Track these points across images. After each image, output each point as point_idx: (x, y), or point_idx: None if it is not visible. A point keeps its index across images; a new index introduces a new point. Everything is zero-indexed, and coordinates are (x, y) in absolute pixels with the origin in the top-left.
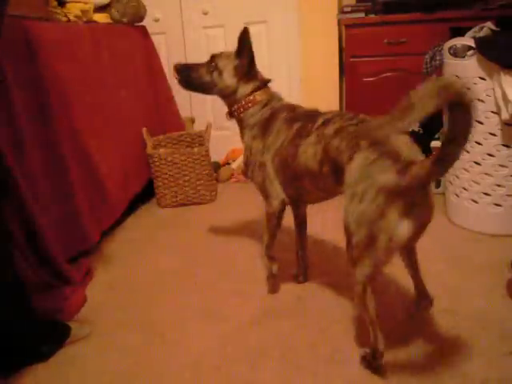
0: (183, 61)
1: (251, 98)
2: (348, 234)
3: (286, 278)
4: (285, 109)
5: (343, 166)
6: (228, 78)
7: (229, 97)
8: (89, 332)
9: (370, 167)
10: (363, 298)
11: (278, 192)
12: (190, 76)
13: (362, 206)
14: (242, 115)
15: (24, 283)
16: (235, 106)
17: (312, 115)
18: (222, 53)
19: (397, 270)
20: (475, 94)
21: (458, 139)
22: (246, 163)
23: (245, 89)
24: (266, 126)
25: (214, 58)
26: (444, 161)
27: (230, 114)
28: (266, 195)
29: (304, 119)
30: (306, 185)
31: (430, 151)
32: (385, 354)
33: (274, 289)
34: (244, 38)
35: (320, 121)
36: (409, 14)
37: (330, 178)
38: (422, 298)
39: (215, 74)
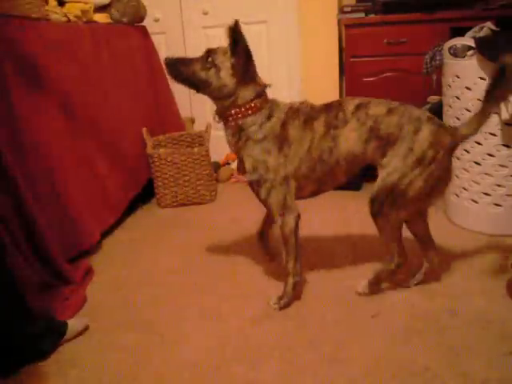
0: None
1: (252, 104)
2: (410, 191)
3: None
4: (293, 115)
5: (399, 138)
6: (226, 77)
7: (224, 98)
8: (87, 323)
9: (438, 134)
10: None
11: (295, 205)
12: (180, 71)
13: (432, 166)
14: (240, 122)
15: (19, 282)
16: (233, 111)
17: (331, 106)
18: (218, 48)
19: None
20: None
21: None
22: (259, 181)
23: (246, 93)
24: (281, 138)
25: (210, 52)
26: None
27: (222, 117)
28: (283, 213)
29: (325, 113)
30: (338, 174)
31: None
32: (383, 358)
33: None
34: (235, 34)
35: (350, 108)
36: (409, 14)
37: (374, 154)
38: (432, 248)
39: (212, 71)
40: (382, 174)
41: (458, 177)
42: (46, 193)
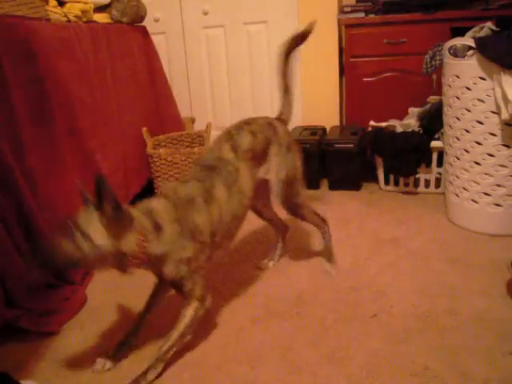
0: (183, 61)
1: (141, 237)
2: (298, 173)
3: (286, 277)
4: (186, 206)
5: (269, 144)
6: (103, 240)
7: (114, 260)
8: None
9: (283, 125)
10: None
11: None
12: (50, 261)
13: (295, 147)
14: (147, 253)
15: (19, 282)
16: (131, 257)
17: (215, 167)
18: (79, 214)
19: None
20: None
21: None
22: (188, 275)
23: (130, 243)
24: (188, 233)
25: (69, 223)
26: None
27: (127, 267)
28: (198, 295)
29: (217, 177)
30: (246, 213)
31: (430, 151)
32: (383, 358)
33: None
34: (102, 185)
35: (230, 154)
36: (409, 14)
37: (258, 170)
38: (283, 227)
39: (84, 243)
40: (272, 178)
41: (458, 177)
42: (46, 193)
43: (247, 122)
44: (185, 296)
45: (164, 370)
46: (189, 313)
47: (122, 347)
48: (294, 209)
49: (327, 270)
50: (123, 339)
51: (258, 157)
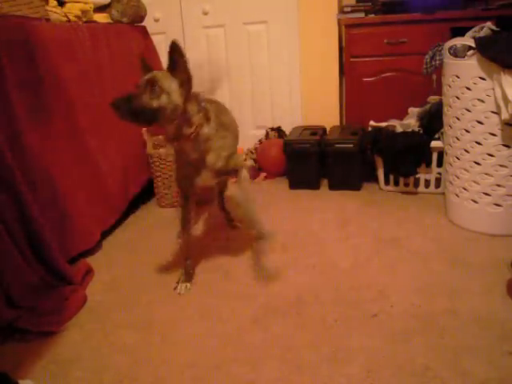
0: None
1: (201, 114)
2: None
3: (286, 277)
4: (217, 109)
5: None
6: (177, 99)
7: (176, 119)
8: None
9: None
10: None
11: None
12: (132, 109)
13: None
14: (197, 136)
15: (19, 282)
16: (191, 129)
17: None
18: (158, 74)
19: None
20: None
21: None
22: (226, 155)
23: (193, 108)
24: (220, 124)
25: (152, 81)
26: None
27: (177, 138)
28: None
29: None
30: None
31: (430, 151)
32: (383, 358)
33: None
34: (175, 52)
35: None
36: (409, 14)
37: None
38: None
39: (164, 97)
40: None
41: (458, 177)
42: (46, 193)
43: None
44: (234, 168)
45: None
46: (243, 173)
47: (188, 269)
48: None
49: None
50: (185, 266)
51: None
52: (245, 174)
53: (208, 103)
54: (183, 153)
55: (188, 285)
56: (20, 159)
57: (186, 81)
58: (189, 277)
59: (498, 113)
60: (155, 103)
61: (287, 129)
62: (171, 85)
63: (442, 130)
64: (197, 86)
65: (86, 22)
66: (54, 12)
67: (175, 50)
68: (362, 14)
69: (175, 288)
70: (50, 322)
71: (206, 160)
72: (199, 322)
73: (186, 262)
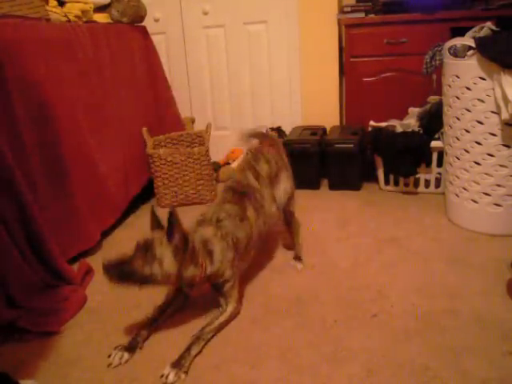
0: (183, 61)
1: (199, 265)
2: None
3: (286, 277)
4: (226, 227)
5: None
6: (170, 267)
7: (173, 283)
8: None
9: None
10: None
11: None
12: (123, 273)
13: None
14: (205, 275)
15: (18, 282)
16: (189, 287)
17: (246, 193)
18: (152, 239)
19: None
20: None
21: None
22: (229, 278)
23: (189, 271)
24: (232, 247)
25: (146, 246)
26: None
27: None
28: (236, 298)
29: (248, 201)
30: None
31: (430, 151)
32: (383, 358)
33: None
34: (173, 219)
35: (255, 183)
36: (409, 14)
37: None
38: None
39: (156, 264)
40: (281, 193)
41: (458, 177)
42: (46, 193)
43: (262, 152)
44: (225, 296)
45: (202, 348)
46: (230, 309)
47: (136, 339)
48: (288, 216)
49: (293, 265)
50: (137, 331)
51: (273, 180)
52: None
53: (221, 211)
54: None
55: (126, 355)
56: (20, 159)
57: (181, 248)
58: (131, 346)
59: (497, 113)
60: (147, 270)
61: (287, 129)
62: (165, 252)
63: (442, 130)
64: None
65: (85, 21)
66: (54, 12)
67: (172, 217)
68: (362, 14)
69: (109, 356)
70: (50, 322)
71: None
72: (199, 322)
73: (140, 330)
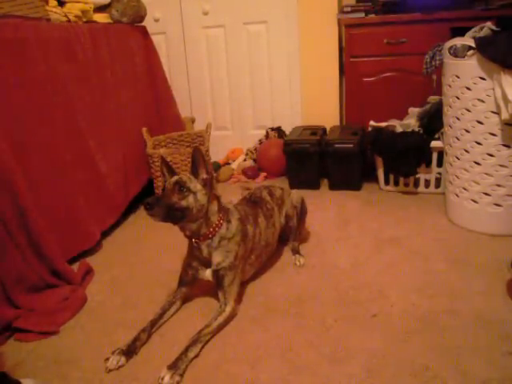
0: (183, 61)
1: (220, 216)
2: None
3: (286, 277)
4: (245, 215)
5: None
6: (202, 199)
7: (200, 218)
8: None
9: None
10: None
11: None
12: (164, 208)
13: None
14: (215, 235)
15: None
16: (207, 230)
17: (259, 202)
18: (183, 176)
19: None
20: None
21: None
22: (226, 269)
23: (213, 207)
24: (243, 233)
25: (180, 183)
26: None
27: (197, 236)
28: (235, 297)
29: (260, 209)
30: (273, 245)
31: (430, 151)
32: (383, 358)
33: None
34: (199, 157)
35: (268, 198)
36: (409, 14)
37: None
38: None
39: (191, 197)
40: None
41: (458, 177)
42: (46, 193)
43: (273, 186)
44: (224, 292)
45: (200, 350)
46: (228, 310)
47: (135, 343)
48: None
49: (295, 259)
50: (137, 335)
51: (280, 205)
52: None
53: (239, 206)
54: (197, 248)
55: (123, 359)
56: (21, 160)
57: (208, 182)
58: (129, 351)
59: (497, 113)
60: (184, 203)
61: (287, 129)
62: (196, 186)
63: (442, 130)
64: None
65: (85, 21)
66: (54, 12)
67: (197, 155)
68: (362, 14)
69: (107, 359)
70: (50, 321)
71: (212, 259)
72: (199, 322)
73: (139, 334)
